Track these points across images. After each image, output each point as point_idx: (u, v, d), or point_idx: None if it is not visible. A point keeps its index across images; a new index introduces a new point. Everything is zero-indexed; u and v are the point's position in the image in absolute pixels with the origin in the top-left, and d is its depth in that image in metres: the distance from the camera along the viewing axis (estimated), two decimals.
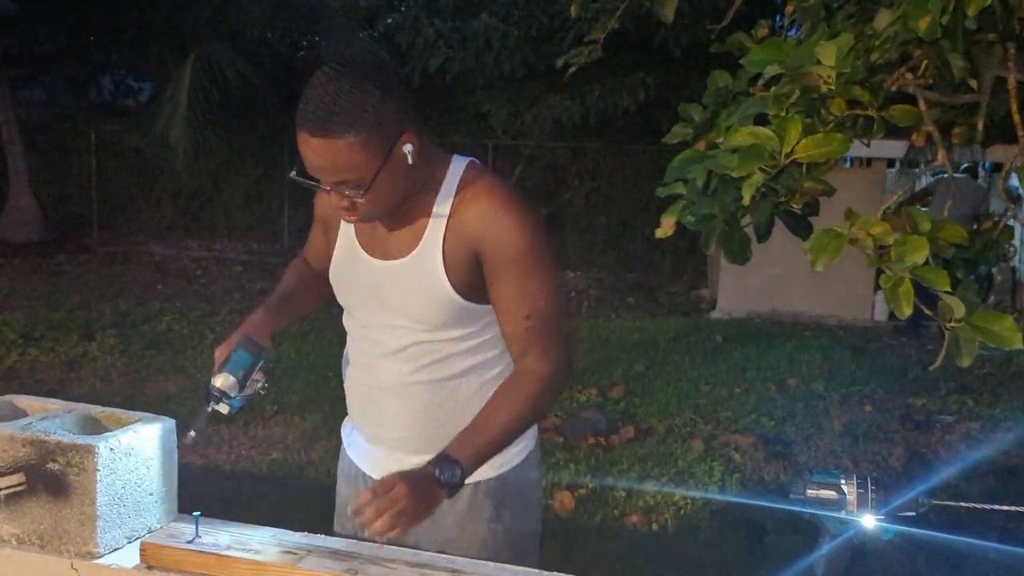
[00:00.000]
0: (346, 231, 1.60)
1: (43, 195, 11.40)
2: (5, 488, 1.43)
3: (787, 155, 1.67)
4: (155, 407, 1.61)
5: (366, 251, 1.56)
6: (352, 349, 1.66)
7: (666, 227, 2.09)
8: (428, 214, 1.50)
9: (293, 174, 1.45)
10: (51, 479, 1.41)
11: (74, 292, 8.35)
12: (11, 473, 1.43)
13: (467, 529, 1.59)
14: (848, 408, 5.34)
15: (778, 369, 6.16)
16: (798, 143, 1.67)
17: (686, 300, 9.31)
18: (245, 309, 7.74)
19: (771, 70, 1.82)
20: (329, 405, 5.00)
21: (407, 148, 1.41)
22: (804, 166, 1.75)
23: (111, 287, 8.76)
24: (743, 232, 2.02)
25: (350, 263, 1.60)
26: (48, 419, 1.51)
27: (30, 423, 1.49)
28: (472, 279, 1.50)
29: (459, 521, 1.58)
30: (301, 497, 3.58)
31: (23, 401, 1.62)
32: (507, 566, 1.41)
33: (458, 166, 1.52)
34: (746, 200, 1.71)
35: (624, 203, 10.75)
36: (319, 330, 6.82)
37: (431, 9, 10.38)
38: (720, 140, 2.13)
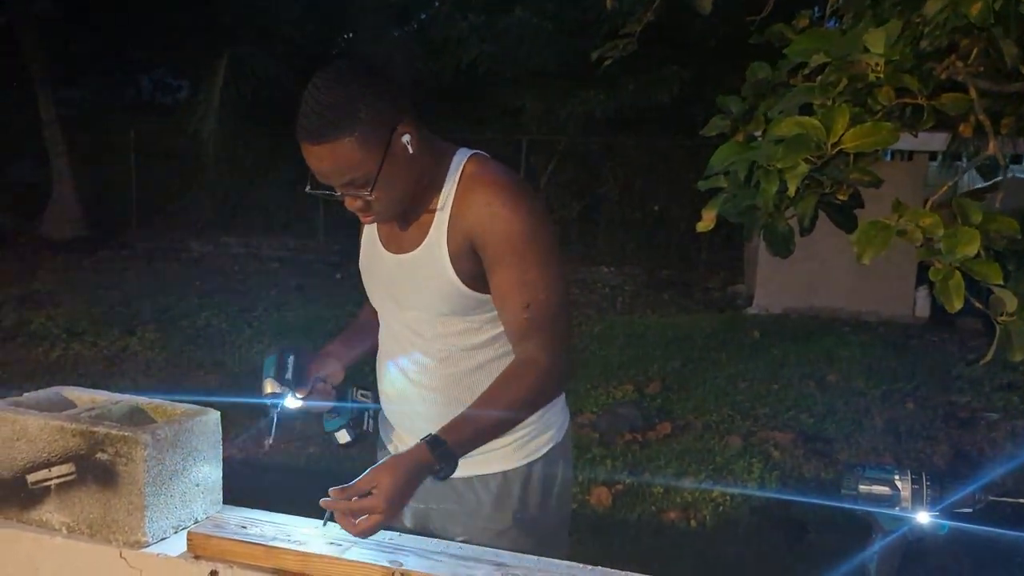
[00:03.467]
0: (371, 228, 1.64)
1: (84, 193, 11.60)
2: (56, 478, 1.45)
3: (834, 145, 1.64)
4: (195, 402, 1.62)
5: (384, 247, 1.60)
6: (381, 342, 1.69)
7: (707, 221, 2.06)
8: (433, 207, 1.51)
9: (308, 188, 1.49)
10: (100, 469, 1.43)
11: (115, 288, 8.50)
12: (62, 463, 1.45)
13: (493, 517, 1.60)
14: (890, 405, 5.26)
15: (817, 365, 6.08)
16: (845, 133, 1.63)
17: (722, 296, 9.22)
18: (281, 305, 7.82)
19: (817, 59, 1.79)
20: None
21: (405, 139, 1.43)
22: (851, 157, 1.72)
23: (151, 283, 8.90)
24: (787, 225, 1.99)
25: (372, 257, 1.64)
26: (96, 410, 1.53)
27: (79, 414, 1.51)
28: (475, 269, 1.50)
29: (486, 509, 1.60)
30: None
31: (72, 392, 1.65)
32: (551, 560, 1.40)
33: (461, 158, 1.53)
34: (791, 191, 1.68)
35: (659, 198, 10.67)
36: None
37: (464, 4, 10.39)
38: (759, 132, 2.11)
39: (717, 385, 5.57)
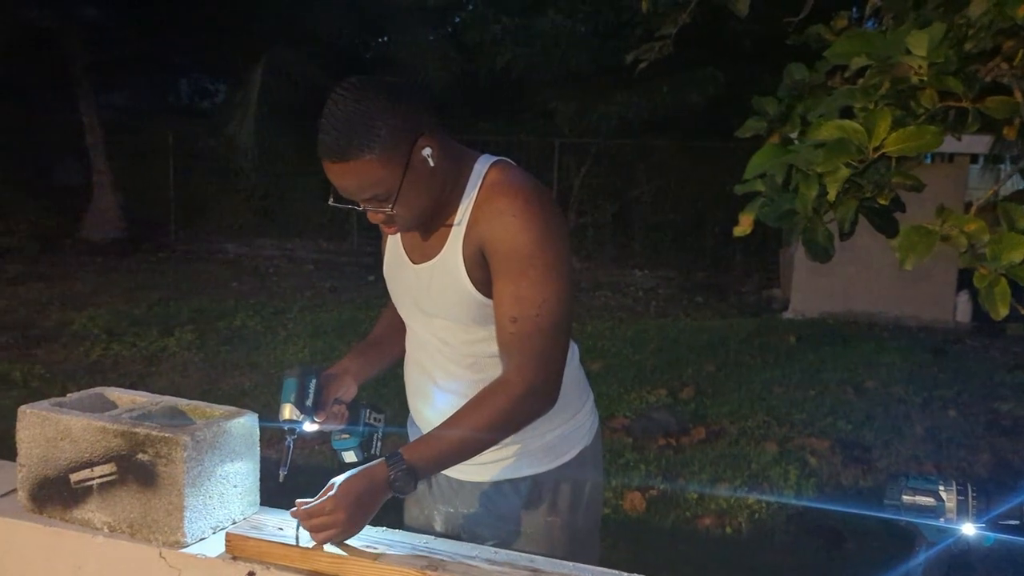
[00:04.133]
0: (394, 236, 1.63)
1: (124, 195, 11.81)
2: (98, 477, 1.47)
3: (876, 149, 1.62)
4: (231, 401, 1.64)
5: (407, 254, 1.60)
6: (408, 348, 1.70)
7: (745, 225, 2.04)
8: (452, 215, 1.50)
9: (331, 201, 1.48)
10: (141, 469, 1.45)
11: (153, 289, 8.63)
12: (104, 463, 1.47)
13: (523, 521, 1.60)
14: (930, 412, 5.16)
15: (855, 371, 5.99)
16: (888, 136, 1.61)
17: (757, 300, 9.13)
18: (315, 307, 7.89)
19: (858, 62, 1.77)
20: (399, 402, 5.06)
21: (426, 152, 1.42)
22: (893, 161, 1.69)
23: (188, 284, 9.02)
24: (826, 229, 1.96)
25: (396, 265, 1.63)
26: (137, 411, 1.55)
27: (121, 415, 1.53)
28: (488, 277, 1.48)
29: (516, 513, 1.60)
30: None
31: (113, 393, 1.67)
32: (586, 566, 1.40)
33: (483, 165, 1.51)
34: (831, 196, 1.66)
35: (693, 200, 10.60)
36: None
37: (498, 7, 10.41)
38: (795, 134, 2.08)
39: (752, 390, 5.51)
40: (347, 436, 1.63)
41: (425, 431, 1.67)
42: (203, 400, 1.67)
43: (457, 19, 12.27)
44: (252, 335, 6.83)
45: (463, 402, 1.55)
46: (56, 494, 1.51)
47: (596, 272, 9.69)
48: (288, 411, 1.52)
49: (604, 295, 8.92)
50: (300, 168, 11.72)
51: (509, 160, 1.55)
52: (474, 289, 1.49)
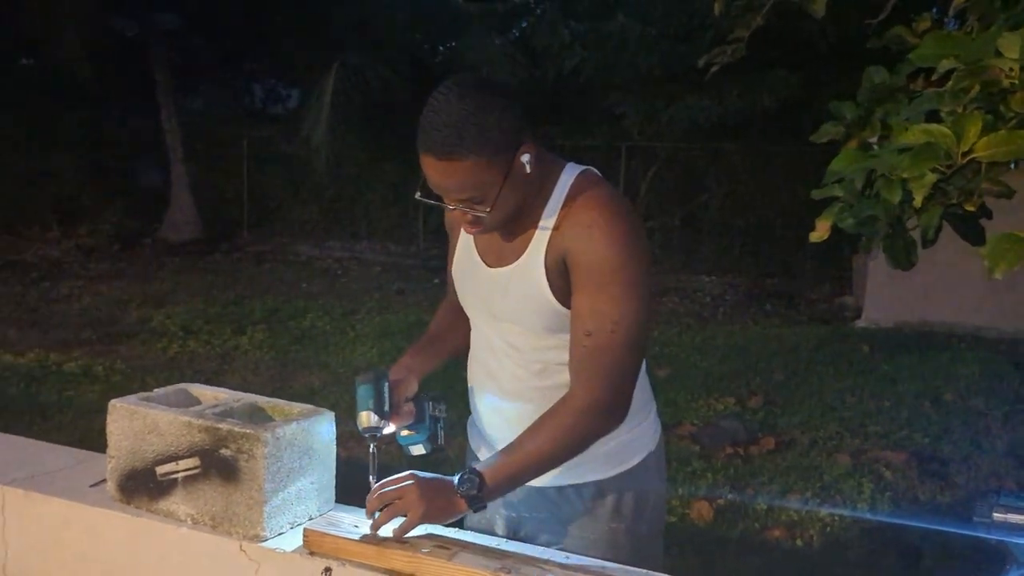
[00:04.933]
0: (467, 236, 1.63)
1: (200, 198, 12.16)
2: (183, 471, 1.52)
3: (964, 154, 1.57)
4: (301, 400, 1.68)
5: (481, 256, 1.60)
6: (473, 349, 1.70)
7: (821, 231, 2.00)
8: (536, 223, 1.50)
9: (418, 195, 1.49)
10: (223, 464, 1.49)
11: (227, 289, 8.87)
12: (188, 457, 1.52)
13: (587, 527, 1.60)
14: (1013, 427, 4.96)
15: (932, 383, 5.80)
16: (977, 141, 1.56)
17: (828, 308, 8.91)
18: (383, 308, 8.00)
19: (945, 64, 1.72)
20: (464, 404, 5.09)
21: (525, 158, 1.42)
22: (982, 166, 1.64)
23: (260, 285, 9.25)
24: (908, 236, 1.91)
25: (467, 266, 1.63)
26: (220, 407, 1.60)
27: (204, 410, 1.58)
28: (568, 287, 1.48)
29: (579, 519, 1.60)
30: None
31: (196, 389, 1.72)
32: (655, 574, 1.39)
33: (569, 175, 1.51)
34: (918, 202, 1.62)
35: (763, 206, 10.41)
36: None
37: (567, 11, 10.40)
38: (874, 139, 2.03)
39: (824, 400, 5.39)
40: (414, 431, 1.64)
41: (487, 434, 1.69)
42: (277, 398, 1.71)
43: (525, 24, 12.30)
44: (322, 335, 6.96)
45: (528, 407, 1.57)
46: (143, 486, 1.57)
47: (663, 277, 9.59)
48: (367, 418, 1.52)
49: (671, 301, 8.82)
50: (369, 172, 11.93)
51: (595, 170, 1.55)
52: (553, 297, 1.49)
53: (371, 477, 1.47)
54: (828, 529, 3.62)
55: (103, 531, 1.59)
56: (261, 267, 10.58)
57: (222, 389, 1.73)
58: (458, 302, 1.73)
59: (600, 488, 1.59)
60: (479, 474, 1.41)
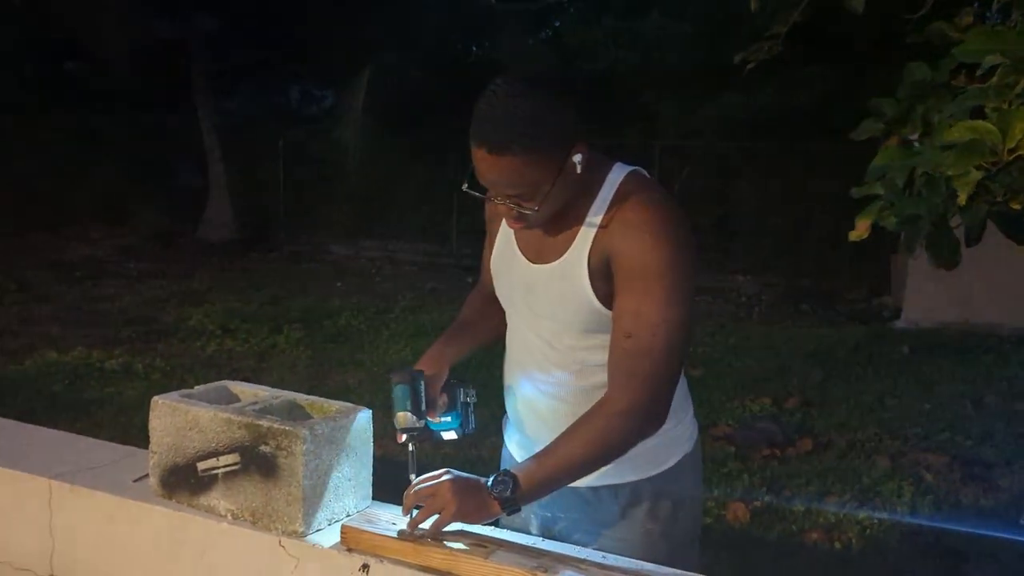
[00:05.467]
0: (507, 230, 1.60)
1: (237, 198, 12.33)
2: (223, 466, 1.54)
3: (1010, 151, 1.54)
4: (336, 397, 1.69)
5: (522, 251, 1.58)
6: (509, 346, 1.68)
7: (861, 230, 1.97)
8: (581, 221, 1.47)
9: (464, 187, 1.46)
10: (263, 460, 1.51)
11: (264, 288, 8.98)
12: (228, 453, 1.54)
13: (622, 528, 1.59)
14: None
15: (974, 384, 5.69)
16: (1023, 138, 1.53)
17: (866, 308, 8.78)
18: (417, 307, 8.04)
19: (990, 60, 1.68)
20: (497, 403, 5.10)
21: (577, 158, 1.41)
22: None
23: (296, 284, 9.34)
24: (952, 234, 1.88)
25: (507, 260, 1.61)
26: (259, 404, 1.62)
27: (244, 407, 1.60)
28: (610, 288, 1.46)
29: (614, 519, 1.59)
30: None
31: (236, 387, 1.75)
32: (691, 575, 1.38)
33: (618, 175, 1.49)
34: (962, 200, 1.58)
35: (799, 204, 10.28)
36: None
37: (600, 9, 10.38)
38: (915, 136, 2.00)
39: (862, 402, 5.31)
40: (447, 418, 1.66)
41: (523, 433, 1.68)
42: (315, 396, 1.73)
43: (558, 23, 12.29)
44: (356, 334, 7.02)
45: (564, 407, 1.56)
46: (184, 481, 1.59)
47: (698, 277, 9.53)
48: (405, 419, 1.53)
49: (706, 300, 8.74)
50: (402, 171, 12.00)
51: (644, 171, 1.53)
52: (594, 297, 1.48)
53: (411, 475, 1.47)
54: (867, 532, 3.57)
55: (146, 525, 1.62)
56: (296, 267, 10.69)
57: (261, 386, 1.75)
58: (491, 291, 1.72)
59: (636, 489, 1.58)
60: (513, 476, 1.40)
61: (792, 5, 2.74)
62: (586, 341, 1.53)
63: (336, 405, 1.64)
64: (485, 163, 1.38)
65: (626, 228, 1.43)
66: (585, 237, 1.47)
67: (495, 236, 1.69)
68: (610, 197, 1.47)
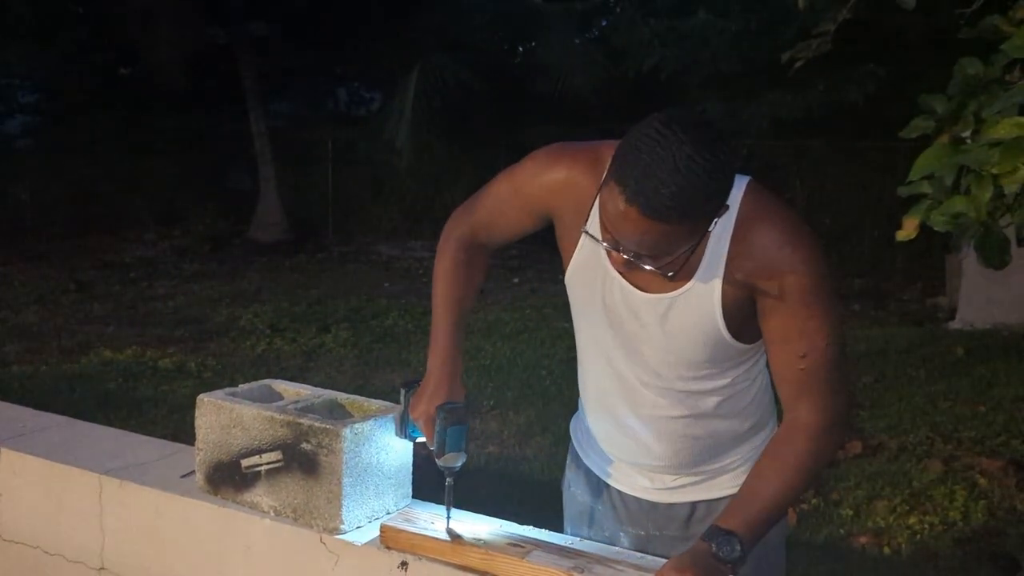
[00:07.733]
0: (595, 245, 1.39)
1: (287, 199, 12.53)
2: (266, 464, 1.58)
3: None
4: (382, 397, 1.71)
5: (622, 274, 1.42)
6: (593, 366, 1.57)
7: (908, 229, 1.94)
8: (702, 245, 1.35)
9: (585, 229, 1.36)
10: (304, 458, 1.54)
11: (312, 288, 9.10)
12: (271, 450, 1.57)
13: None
14: None
15: None
16: None
17: (920, 308, 8.59)
18: None
19: None
20: (543, 402, 5.11)
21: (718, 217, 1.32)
22: None
23: (344, 284, 9.46)
24: (1001, 233, 1.83)
25: (601, 284, 1.47)
26: (301, 403, 1.65)
27: (287, 406, 1.63)
28: (745, 315, 1.40)
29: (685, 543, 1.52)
30: (518, 490, 3.68)
31: (279, 385, 1.78)
32: None
33: (738, 189, 1.36)
34: (1010, 198, 1.55)
35: (850, 203, 10.11)
36: (532, 329, 6.99)
37: (646, 9, 10.31)
38: (967, 133, 1.95)
39: (914, 404, 5.20)
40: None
41: (605, 450, 1.61)
42: (357, 395, 1.76)
43: (604, 22, 12.25)
44: (403, 334, 7.08)
45: (664, 437, 1.50)
46: (228, 477, 1.63)
47: (842, 317, 9.40)
48: (454, 460, 1.47)
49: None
50: (449, 172, 12.07)
51: (755, 180, 1.42)
52: (725, 330, 1.40)
53: (447, 509, 1.46)
54: (918, 537, 3.49)
55: (192, 520, 1.66)
56: (344, 267, 10.81)
57: (304, 385, 1.79)
58: (485, 235, 1.63)
59: (709, 509, 1.54)
60: (731, 533, 1.30)
61: (841, 2, 2.70)
62: (698, 371, 1.47)
63: (377, 404, 1.66)
64: (632, 223, 1.24)
65: (772, 251, 1.36)
66: (713, 265, 1.38)
67: (546, 214, 1.51)
68: (734, 216, 1.37)
